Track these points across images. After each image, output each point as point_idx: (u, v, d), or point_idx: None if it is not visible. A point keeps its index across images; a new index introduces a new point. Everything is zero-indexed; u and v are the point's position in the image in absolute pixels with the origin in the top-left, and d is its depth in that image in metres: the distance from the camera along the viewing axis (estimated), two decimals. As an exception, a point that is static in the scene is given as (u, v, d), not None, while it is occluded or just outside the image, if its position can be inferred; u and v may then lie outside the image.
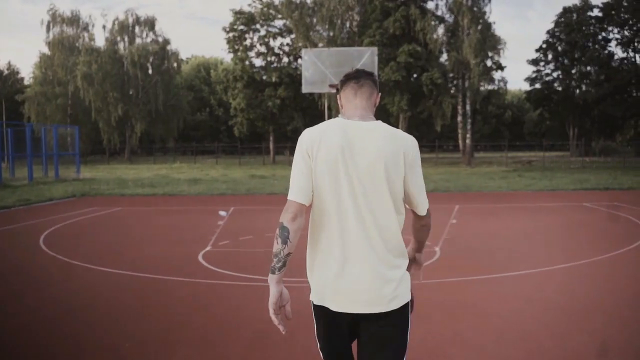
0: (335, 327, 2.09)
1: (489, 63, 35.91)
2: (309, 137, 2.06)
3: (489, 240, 8.37)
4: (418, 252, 2.36)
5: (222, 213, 11.64)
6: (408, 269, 2.19)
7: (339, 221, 2.02)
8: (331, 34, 35.65)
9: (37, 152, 23.97)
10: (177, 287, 5.76)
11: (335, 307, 2.04)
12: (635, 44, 46.00)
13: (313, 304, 2.15)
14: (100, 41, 70.89)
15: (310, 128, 2.10)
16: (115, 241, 8.76)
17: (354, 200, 2.01)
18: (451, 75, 35.58)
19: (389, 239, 2.05)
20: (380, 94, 2.25)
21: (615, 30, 46.92)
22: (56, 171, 23.83)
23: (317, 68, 12.72)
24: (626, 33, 46.34)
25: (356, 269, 2.02)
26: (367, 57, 12.57)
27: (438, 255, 7.14)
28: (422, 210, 2.15)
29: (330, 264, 2.05)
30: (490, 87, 38.25)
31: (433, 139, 47.36)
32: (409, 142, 2.08)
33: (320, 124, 2.12)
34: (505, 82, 38.86)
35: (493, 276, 5.97)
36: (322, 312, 2.10)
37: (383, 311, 2.01)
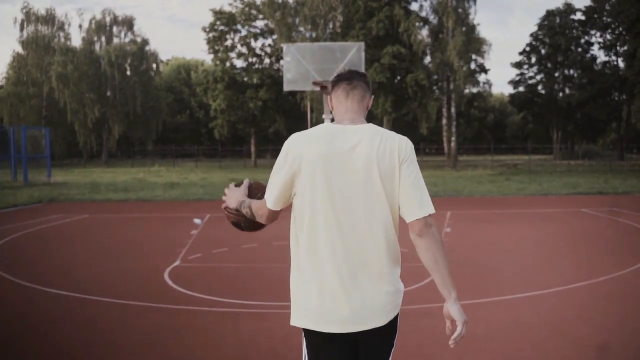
0: (336, 351, 1.91)
1: (472, 66, 35.46)
2: (295, 144, 1.95)
3: (491, 252, 7.58)
4: (447, 299, 1.93)
5: (197, 221, 10.73)
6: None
7: (329, 234, 1.89)
8: (314, 34, 34.83)
9: (5, 155, 22.73)
10: (132, 314, 4.85)
11: (333, 328, 1.88)
12: (618, 47, 45.98)
13: (304, 330, 1.95)
14: (76, 41, 69.14)
15: (298, 134, 1.98)
16: (74, 255, 7.80)
17: (345, 210, 1.89)
18: (435, 77, 35.01)
19: (385, 248, 1.92)
20: (373, 96, 2.14)
21: (598, 34, 46.91)
22: (25, 175, 22.61)
23: (299, 64, 11.84)
24: (608, 37, 46.33)
25: (352, 284, 1.89)
26: (353, 53, 11.70)
27: (437, 271, 6.32)
28: (412, 215, 1.90)
29: (322, 283, 1.89)
30: (475, 90, 37.84)
31: (417, 141, 46.75)
32: (403, 142, 1.98)
33: (309, 130, 2.00)
34: (490, 85, 38.51)
35: (506, 298, 5.15)
36: (316, 337, 1.91)
37: (383, 324, 1.91)
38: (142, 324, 4.56)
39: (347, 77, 2.08)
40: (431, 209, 1.93)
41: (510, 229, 9.68)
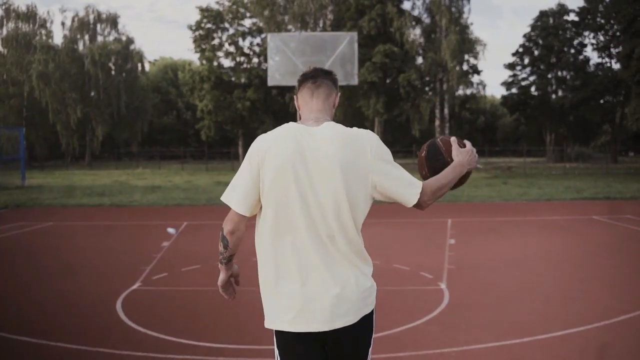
0: (305, 351, 1.89)
1: (465, 67, 34.65)
2: (259, 146, 1.94)
3: (506, 271, 6.51)
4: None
5: (171, 231, 9.58)
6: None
7: (292, 234, 1.89)
8: (303, 32, 33.77)
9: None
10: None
11: (300, 327, 1.86)
12: (611, 49, 45.37)
13: (274, 331, 1.93)
14: (58, 39, 67.71)
15: (263, 135, 1.99)
16: (16, 275, 6.64)
17: (306, 211, 1.88)
18: (427, 78, 34.12)
19: (348, 248, 1.91)
20: (339, 93, 2.11)
21: (591, 35, 46.32)
22: (-4, 178, 21.34)
23: (285, 57, 10.72)
24: (601, 38, 45.73)
25: (317, 283, 1.87)
26: (345, 44, 10.63)
27: (447, 297, 5.25)
28: (412, 200, 1.92)
29: (288, 284, 1.88)
30: (469, 91, 37.06)
31: (409, 143, 45.82)
32: (370, 136, 1.96)
33: (273, 130, 1.99)
34: (484, 86, 37.69)
35: (540, 338, 4.06)
36: (286, 338, 1.89)
37: (351, 323, 1.89)
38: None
39: (312, 76, 2.06)
40: (420, 188, 1.93)
41: (521, 241, 8.63)
